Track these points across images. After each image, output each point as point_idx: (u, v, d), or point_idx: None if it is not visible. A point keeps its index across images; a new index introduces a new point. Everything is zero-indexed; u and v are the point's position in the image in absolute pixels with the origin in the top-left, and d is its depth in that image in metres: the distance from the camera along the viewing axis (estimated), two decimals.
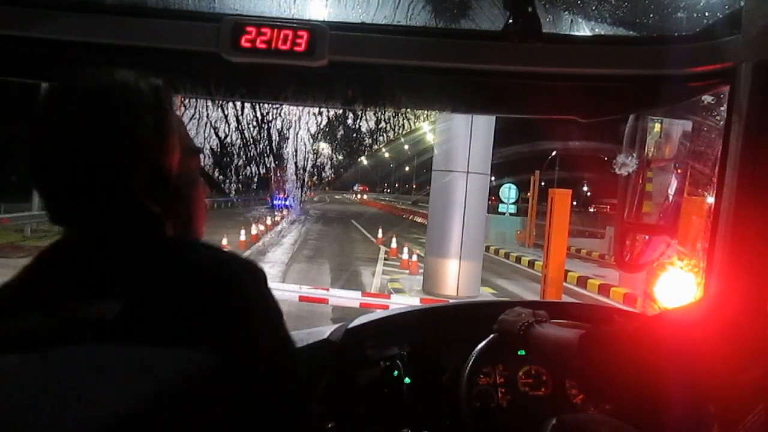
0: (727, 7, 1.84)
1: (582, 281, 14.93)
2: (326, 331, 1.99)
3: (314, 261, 16.70)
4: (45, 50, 1.86)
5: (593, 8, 1.93)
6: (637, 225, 2.68)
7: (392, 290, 12.43)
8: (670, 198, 2.63)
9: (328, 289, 5.79)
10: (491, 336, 1.79)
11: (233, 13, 1.84)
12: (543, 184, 23.43)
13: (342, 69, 1.90)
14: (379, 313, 2.02)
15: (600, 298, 13.60)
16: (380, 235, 22.00)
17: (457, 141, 11.86)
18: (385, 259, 17.58)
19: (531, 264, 18.55)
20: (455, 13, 1.96)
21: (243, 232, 18.33)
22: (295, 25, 1.82)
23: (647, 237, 2.64)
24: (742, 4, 1.79)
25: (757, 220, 1.80)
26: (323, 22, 1.85)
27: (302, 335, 1.96)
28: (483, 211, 12.73)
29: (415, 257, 15.55)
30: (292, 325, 1.06)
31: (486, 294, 12.97)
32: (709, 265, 1.83)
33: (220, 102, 2.15)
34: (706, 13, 1.90)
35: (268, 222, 25.28)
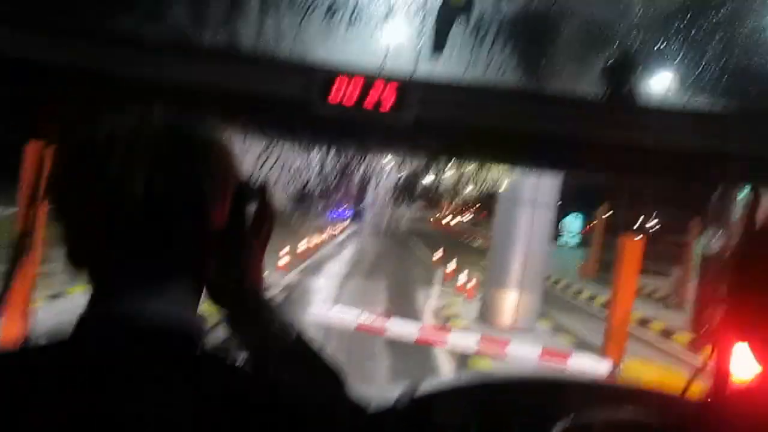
0: None
1: (643, 323, 14.42)
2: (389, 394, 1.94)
3: (370, 277, 16.75)
4: (141, 89, 1.92)
5: (690, 80, 1.86)
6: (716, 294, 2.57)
7: (448, 319, 12.32)
8: None
9: (389, 318, 5.77)
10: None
11: (325, 66, 1.86)
12: (611, 211, 22.72)
13: (430, 126, 1.89)
14: (447, 381, 1.98)
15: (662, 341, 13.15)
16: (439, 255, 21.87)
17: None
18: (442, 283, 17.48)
19: (591, 299, 18.09)
20: (546, 77, 1.94)
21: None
22: (385, 79, 1.83)
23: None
24: None
25: None
26: (412, 78, 1.85)
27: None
28: (546, 242, 12.50)
29: (473, 281, 15.38)
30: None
31: (542, 328, 12.67)
32: None
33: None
34: None
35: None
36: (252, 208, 0.91)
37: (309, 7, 1.89)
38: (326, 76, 1.83)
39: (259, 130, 1.94)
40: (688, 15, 1.71)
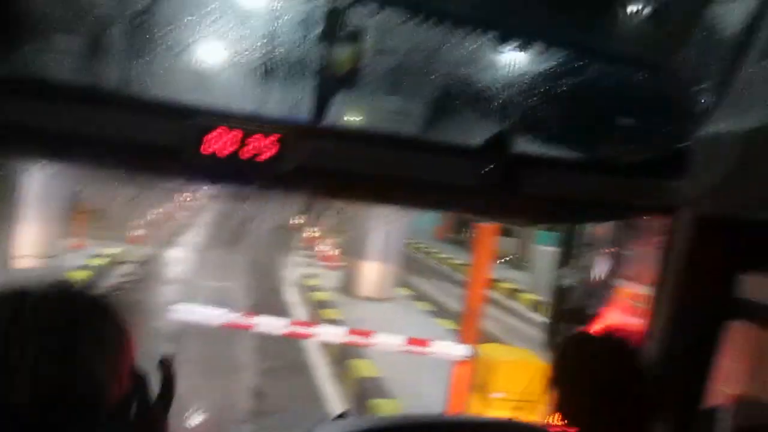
0: (677, 151, 1.96)
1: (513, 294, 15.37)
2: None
3: (232, 247, 16.39)
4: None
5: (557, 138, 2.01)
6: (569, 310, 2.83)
7: (310, 289, 12.42)
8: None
9: (255, 315, 5.70)
10: None
11: (204, 111, 1.78)
12: None
13: (312, 174, 1.89)
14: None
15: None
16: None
17: None
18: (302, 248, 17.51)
19: (446, 260, 19.09)
20: (422, 127, 1.99)
21: None
22: (263, 129, 1.79)
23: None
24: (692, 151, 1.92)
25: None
26: (294, 127, 1.82)
27: None
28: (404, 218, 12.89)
29: (335, 251, 15.54)
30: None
31: (402, 297, 13.17)
32: None
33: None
34: (659, 148, 2.02)
35: None
36: (154, 380, 0.90)
37: (182, 51, 1.79)
38: (203, 126, 1.76)
39: (129, 176, 1.84)
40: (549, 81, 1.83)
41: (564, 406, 1.43)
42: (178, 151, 1.76)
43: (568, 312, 2.77)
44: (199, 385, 6.72)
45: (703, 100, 1.85)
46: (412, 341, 5.69)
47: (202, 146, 1.75)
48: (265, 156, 1.80)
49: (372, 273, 12.18)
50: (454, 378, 5.71)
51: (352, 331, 5.90)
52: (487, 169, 1.78)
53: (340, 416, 2.14)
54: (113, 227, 13.78)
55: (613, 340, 1.57)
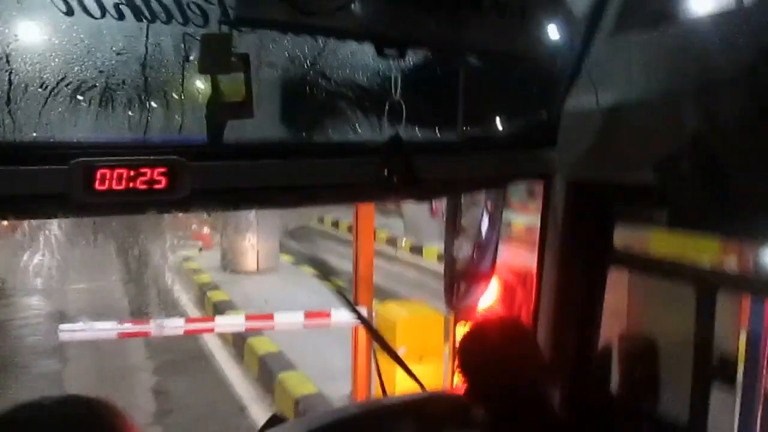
0: (545, 120, 2.14)
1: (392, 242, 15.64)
2: None
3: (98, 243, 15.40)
4: None
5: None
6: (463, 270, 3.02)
7: (193, 272, 12.10)
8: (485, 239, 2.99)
9: (149, 322, 5.50)
10: None
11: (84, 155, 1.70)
12: None
13: (206, 197, 1.87)
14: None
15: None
16: None
17: None
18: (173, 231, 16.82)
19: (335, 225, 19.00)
20: (316, 134, 2.03)
21: None
22: (151, 161, 1.75)
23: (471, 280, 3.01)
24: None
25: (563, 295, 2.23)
26: (181, 155, 1.79)
27: None
28: None
29: (206, 229, 15.11)
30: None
31: (285, 265, 13.16)
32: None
33: None
34: (528, 124, 2.20)
35: None
36: None
37: (53, 91, 1.69)
38: (86, 166, 1.68)
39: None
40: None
41: (472, 388, 1.59)
42: (65, 195, 1.68)
43: (461, 273, 2.94)
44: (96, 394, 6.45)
45: (564, 76, 2.02)
46: (311, 315, 5.77)
47: (93, 185, 1.69)
48: (159, 186, 1.76)
49: (251, 246, 12.04)
50: (355, 340, 5.89)
51: (250, 317, 5.88)
52: (386, 166, 1.86)
53: (273, 421, 2.20)
54: None
55: (507, 326, 1.76)
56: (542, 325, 2.28)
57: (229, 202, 2.03)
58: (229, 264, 12.25)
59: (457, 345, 1.67)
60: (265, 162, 1.90)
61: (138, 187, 1.73)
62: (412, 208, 15.41)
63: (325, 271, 11.56)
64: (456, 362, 1.62)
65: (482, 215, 3.01)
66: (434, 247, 14.38)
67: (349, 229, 15.89)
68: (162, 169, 1.74)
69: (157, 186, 1.75)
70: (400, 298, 9.05)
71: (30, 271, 12.17)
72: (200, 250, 14.35)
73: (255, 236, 11.97)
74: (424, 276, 12.54)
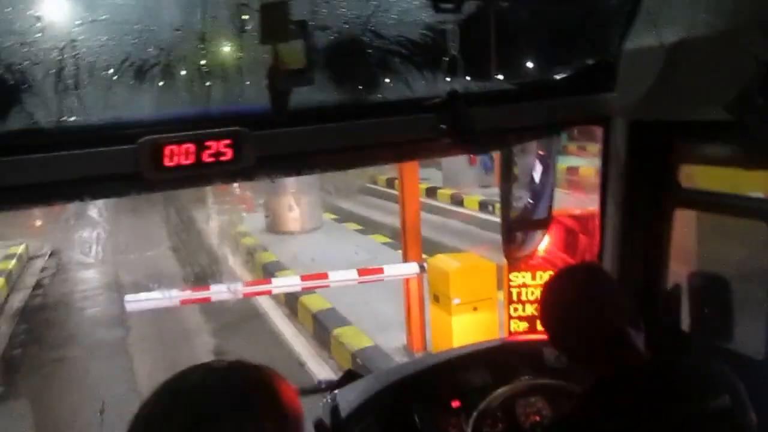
0: (604, 62, 2.09)
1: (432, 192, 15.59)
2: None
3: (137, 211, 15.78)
4: None
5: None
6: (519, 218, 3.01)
7: (241, 236, 12.32)
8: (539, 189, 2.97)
9: (209, 288, 5.66)
10: None
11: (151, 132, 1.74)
12: None
13: (270, 164, 1.90)
14: (360, 388, 2.12)
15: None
16: None
17: None
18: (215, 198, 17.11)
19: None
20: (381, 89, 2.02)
21: None
22: (216, 134, 1.78)
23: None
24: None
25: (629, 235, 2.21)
26: (244, 125, 1.81)
27: None
28: None
29: (248, 192, 15.30)
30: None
31: (327, 221, 13.30)
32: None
33: None
34: (586, 67, 2.15)
35: None
36: None
37: (117, 72, 1.72)
38: (153, 143, 1.72)
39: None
40: None
41: (554, 334, 1.60)
42: (136, 174, 1.73)
43: (518, 221, 2.94)
44: (159, 361, 6.72)
45: (621, 16, 1.97)
46: (365, 271, 5.87)
47: (162, 161, 1.73)
48: (225, 157, 1.80)
49: (294, 206, 12.17)
50: (407, 293, 5.98)
51: (306, 277, 6.00)
52: (444, 121, 1.86)
53: (348, 377, 2.27)
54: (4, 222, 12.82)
55: (590, 270, 1.76)
56: (608, 269, 2.28)
57: (292, 168, 2.05)
58: (273, 225, 12.42)
59: (541, 292, 1.68)
60: (326, 126, 1.91)
61: (205, 160, 1.77)
62: (450, 159, 15.33)
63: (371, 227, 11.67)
64: (539, 310, 1.63)
65: (535, 161, 2.99)
66: (474, 196, 14.35)
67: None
68: (227, 141, 1.77)
69: (223, 158, 1.78)
70: (444, 248, 9.11)
71: (83, 246, 12.58)
72: (244, 213, 14.57)
73: (297, 197, 12.09)
74: (467, 225, 12.55)
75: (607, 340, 1.48)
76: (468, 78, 2.02)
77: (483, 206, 13.53)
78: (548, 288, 1.65)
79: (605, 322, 1.50)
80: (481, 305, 5.35)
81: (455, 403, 2.11)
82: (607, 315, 1.51)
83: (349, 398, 2.05)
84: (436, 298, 5.59)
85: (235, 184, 15.51)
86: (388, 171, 16.42)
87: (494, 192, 14.36)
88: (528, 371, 2.15)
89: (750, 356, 1.93)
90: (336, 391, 2.15)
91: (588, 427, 1.39)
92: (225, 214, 14.66)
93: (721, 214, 2.04)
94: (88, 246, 12.56)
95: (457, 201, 14.72)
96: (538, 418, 2.09)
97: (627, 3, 1.96)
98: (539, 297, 1.66)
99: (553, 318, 1.58)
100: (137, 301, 5.36)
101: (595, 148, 2.37)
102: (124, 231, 13.89)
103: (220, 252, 12.08)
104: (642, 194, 2.17)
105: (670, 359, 1.58)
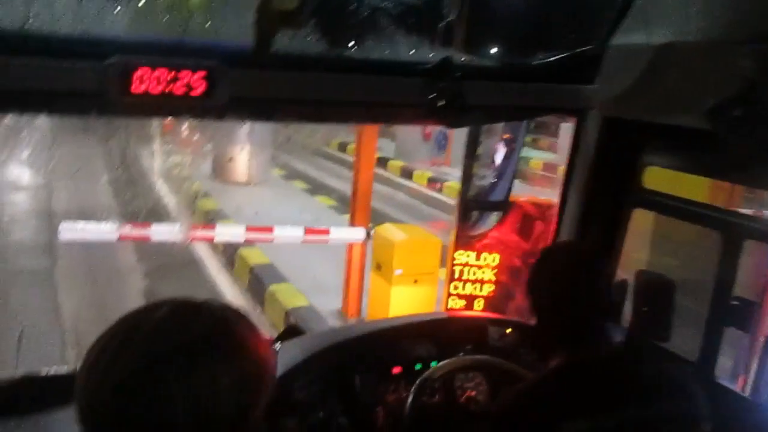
0: (589, 54, 2.09)
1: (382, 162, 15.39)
2: None
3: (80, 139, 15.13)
4: None
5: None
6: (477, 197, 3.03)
7: (183, 181, 12.01)
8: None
9: (150, 226, 5.46)
10: None
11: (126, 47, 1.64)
12: None
13: (244, 106, 1.83)
14: (302, 345, 2.08)
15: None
16: None
17: None
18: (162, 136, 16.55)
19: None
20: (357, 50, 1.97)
21: None
22: (191, 64, 1.69)
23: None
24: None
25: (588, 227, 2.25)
26: (222, 61, 1.73)
27: None
28: None
29: (196, 135, 14.85)
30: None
31: (275, 176, 13.11)
32: None
33: None
34: (571, 56, 2.15)
35: None
36: None
37: None
38: (126, 63, 1.63)
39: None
40: None
41: (540, 303, 1.60)
42: (102, 94, 1.63)
43: (474, 200, 2.96)
44: (87, 297, 6.52)
45: (613, 11, 1.97)
46: (311, 231, 5.81)
47: (130, 86, 1.64)
48: (196, 92, 1.72)
49: (243, 156, 11.94)
50: (349, 258, 5.97)
51: (251, 228, 5.90)
52: (434, 89, 1.83)
53: (289, 332, 2.24)
54: None
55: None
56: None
57: (264, 113, 1.99)
58: (220, 174, 12.17)
59: (541, 258, 1.66)
60: (306, 74, 1.85)
61: (175, 91, 1.68)
62: (405, 131, 15.29)
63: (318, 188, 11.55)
64: (531, 274, 1.62)
65: (501, 143, 3.00)
66: (425, 171, 14.40)
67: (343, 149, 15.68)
68: (202, 73, 1.69)
69: (194, 92, 1.70)
70: (388, 218, 9.12)
71: (18, 167, 11.99)
72: (190, 157, 14.17)
73: (247, 148, 11.85)
74: (413, 200, 12.60)
75: (588, 321, 1.49)
76: (455, 49, 1.99)
77: (431, 182, 13.62)
78: (550, 256, 1.63)
79: (594, 305, 1.51)
80: (422, 279, 5.40)
81: (396, 370, 2.12)
82: (597, 298, 1.52)
83: (289, 353, 2.02)
84: (378, 267, 5.60)
85: (184, 126, 15.09)
86: (342, 134, 16.29)
87: (444, 171, 14.54)
88: (471, 347, 2.18)
89: (685, 357, 2.02)
90: (277, 345, 2.12)
91: (542, 410, 1.41)
92: (170, 155, 14.23)
93: (681, 220, 2.10)
94: (23, 168, 11.99)
95: (407, 174, 14.74)
96: (473, 393, 2.12)
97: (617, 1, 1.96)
98: (535, 261, 1.64)
99: (543, 287, 1.57)
100: (73, 231, 5.14)
101: (547, 142, 2.39)
102: (64, 159, 13.28)
103: (162, 192, 11.77)
104: (605, 190, 2.21)
105: (637, 357, 1.60)
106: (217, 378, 0.85)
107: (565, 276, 1.56)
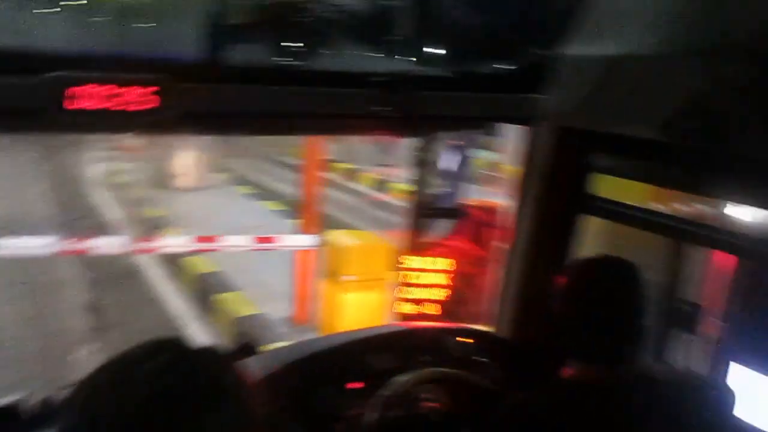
0: (539, 65, 2.11)
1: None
2: None
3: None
4: None
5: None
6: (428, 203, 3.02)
7: (122, 187, 11.67)
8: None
9: (92, 239, 5.21)
10: None
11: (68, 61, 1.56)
12: None
13: (193, 119, 1.77)
14: (257, 364, 2.01)
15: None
16: None
17: None
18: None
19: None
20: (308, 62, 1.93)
21: None
22: (140, 80, 1.62)
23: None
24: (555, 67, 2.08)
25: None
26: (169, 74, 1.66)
27: None
28: None
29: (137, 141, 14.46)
30: None
31: (222, 183, 12.86)
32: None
33: None
34: (522, 66, 2.16)
35: None
36: None
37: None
38: (58, 83, 1.54)
39: None
40: None
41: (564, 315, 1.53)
42: (37, 111, 1.55)
43: (426, 206, 2.95)
44: (25, 311, 6.23)
45: (565, 22, 1.99)
46: (260, 239, 5.71)
47: (65, 102, 1.56)
48: (142, 107, 1.65)
49: (188, 160, 11.68)
50: (298, 265, 5.89)
51: (199, 239, 5.74)
52: (383, 100, 1.81)
53: (244, 350, 2.17)
54: None
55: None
56: (514, 266, 2.33)
57: (218, 127, 1.93)
58: (162, 179, 11.86)
59: (579, 271, 1.57)
60: (259, 87, 1.81)
61: (116, 107, 1.60)
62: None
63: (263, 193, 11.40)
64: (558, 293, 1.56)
65: (453, 151, 3.01)
66: (369, 173, 14.38)
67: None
68: (152, 88, 1.62)
69: (137, 106, 1.62)
70: (333, 222, 9.06)
71: None
72: (131, 163, 13.80)
73: (193, 149, 11.60)
74: (359, 201, 12.58)
75: (617, 341, 1.43)
76: (408, 61, 1.98)
77: (377, 185, 13.61)
78: (595, 268, 1.55)
79: (629, 325, 1.45)
80: (374, 285, 5.38)
81: (356, 385, 2.08)
82: (634, 319, 1.45)
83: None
84: (329, 273, 5.55)
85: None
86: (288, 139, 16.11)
87: (391, 173, 14.55)
88: (431, 358, 2.16)
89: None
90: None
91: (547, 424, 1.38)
92: (111, 161, 13.80)
93: (631, 226, 2.14)
94: None
95: (352, 176, 14.70)
96: (437, 405, 2.10)
97: (570, 10, 1.98)
98: (574, 269, 1.55)
99: (581, 299, 1.49)
100: (9, 248, 4.87)
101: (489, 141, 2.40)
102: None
103: (100, 200, 11.38)
104: (556, 198, 2.23)
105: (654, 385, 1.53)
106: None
107: (610, 291, 1.48)
